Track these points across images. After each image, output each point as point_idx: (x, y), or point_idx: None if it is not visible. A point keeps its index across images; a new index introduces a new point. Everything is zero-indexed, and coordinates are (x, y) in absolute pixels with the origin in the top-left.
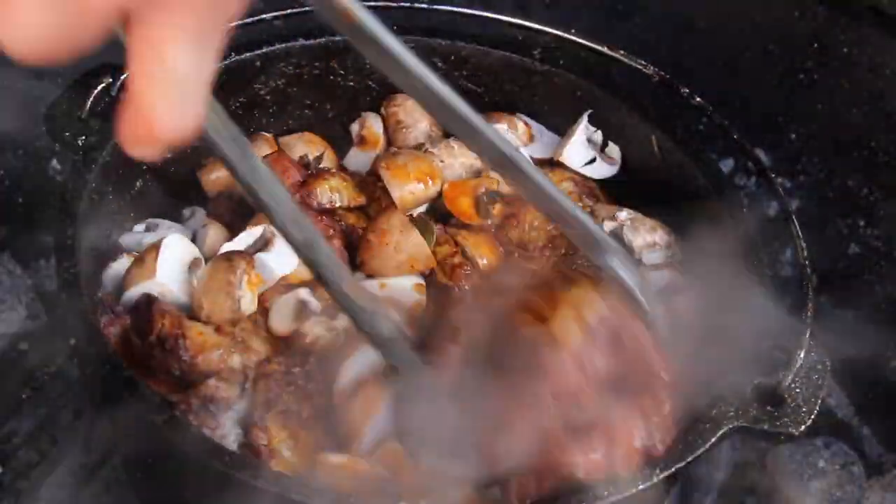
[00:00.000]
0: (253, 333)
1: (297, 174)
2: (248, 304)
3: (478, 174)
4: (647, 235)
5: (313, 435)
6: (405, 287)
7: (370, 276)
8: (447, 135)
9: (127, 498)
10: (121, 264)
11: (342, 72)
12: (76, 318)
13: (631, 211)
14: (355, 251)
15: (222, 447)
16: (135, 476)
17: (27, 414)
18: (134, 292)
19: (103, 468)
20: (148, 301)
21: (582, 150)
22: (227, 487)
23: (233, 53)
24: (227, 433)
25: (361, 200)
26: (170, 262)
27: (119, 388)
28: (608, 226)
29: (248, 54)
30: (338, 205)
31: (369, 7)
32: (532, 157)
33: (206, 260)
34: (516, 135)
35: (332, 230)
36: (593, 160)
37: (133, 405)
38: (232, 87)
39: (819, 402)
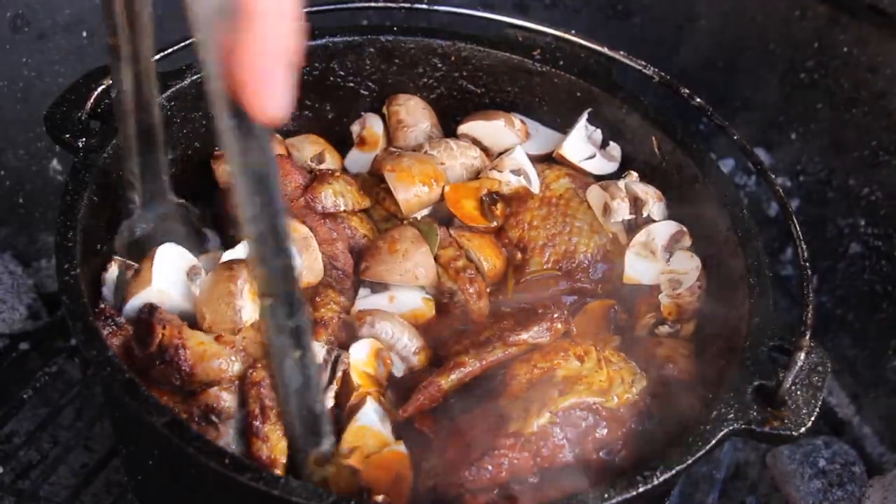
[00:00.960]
0: (255, 342)
1: (300, 177)
2: (250, 313)
3: (477, 174)
4: (648, 189)
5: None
6: (415, 299)
7: (373, 281)
8: (447, 135)
9: (127, 498)
10: (117, 269)
11: (342, 73)
12: (76, 318)
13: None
14: (358, 254)
15: (223, 449)
16: (135, 476)
17: (27, 414)
18: (135, 303)
19: (103, 468)
20: (149, 310)
21: (581, 145)
22: (227, 490)
23: None
24: (229, 443)
25: (366, 203)
26: (166, 269)
27: (119, 389)
28: (621, 183)
29: None
30: (342, 208)
31: (370, 7)
32: (529, 154)
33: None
34: (513, 131)
35: (335, 233)
36: (593, 156)
37: (133, 406)
38: None
39: (819, 403)
